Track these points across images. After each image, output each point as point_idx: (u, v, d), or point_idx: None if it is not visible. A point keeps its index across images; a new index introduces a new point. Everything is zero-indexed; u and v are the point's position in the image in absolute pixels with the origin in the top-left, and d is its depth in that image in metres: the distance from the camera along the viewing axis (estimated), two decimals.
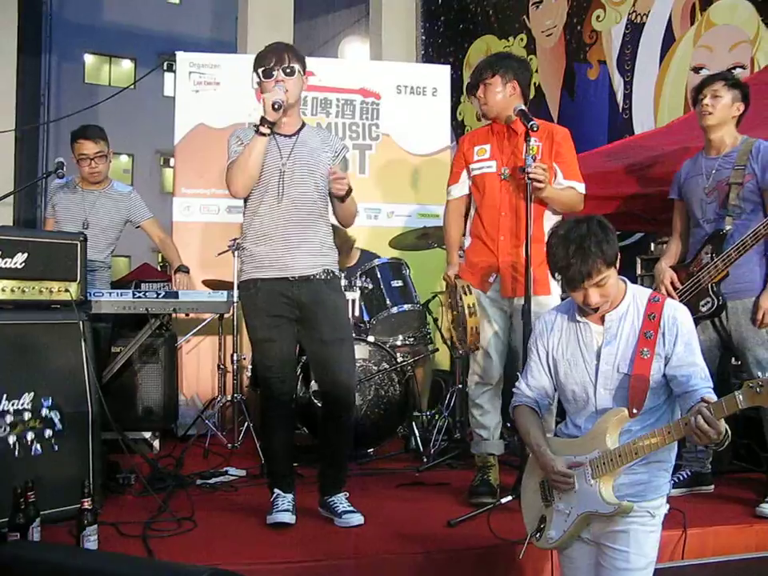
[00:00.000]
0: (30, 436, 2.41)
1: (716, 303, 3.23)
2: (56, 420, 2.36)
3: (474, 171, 3.49)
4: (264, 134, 2.94)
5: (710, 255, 3.25)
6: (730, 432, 1.94)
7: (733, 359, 3.85)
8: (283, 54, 3.01)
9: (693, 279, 3.31)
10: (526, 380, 2.41)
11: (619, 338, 2.21)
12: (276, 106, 2.90)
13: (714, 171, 3.31)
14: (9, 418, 2.33)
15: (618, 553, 2.14)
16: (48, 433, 2.39)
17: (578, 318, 2.29)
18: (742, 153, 3.25)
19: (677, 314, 2.20)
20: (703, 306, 3.26)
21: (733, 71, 5.39)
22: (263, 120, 2.92)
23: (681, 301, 3.25)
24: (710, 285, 3.24)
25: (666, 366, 2.18)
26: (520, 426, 2.39)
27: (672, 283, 3.38)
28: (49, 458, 2.91)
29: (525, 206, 3.20)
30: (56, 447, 2.76)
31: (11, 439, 2.46)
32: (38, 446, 2.75)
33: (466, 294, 3.34)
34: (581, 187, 3.40)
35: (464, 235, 3.63)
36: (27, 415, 2.34)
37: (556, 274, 2.25)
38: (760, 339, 3.20)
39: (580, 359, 2.27)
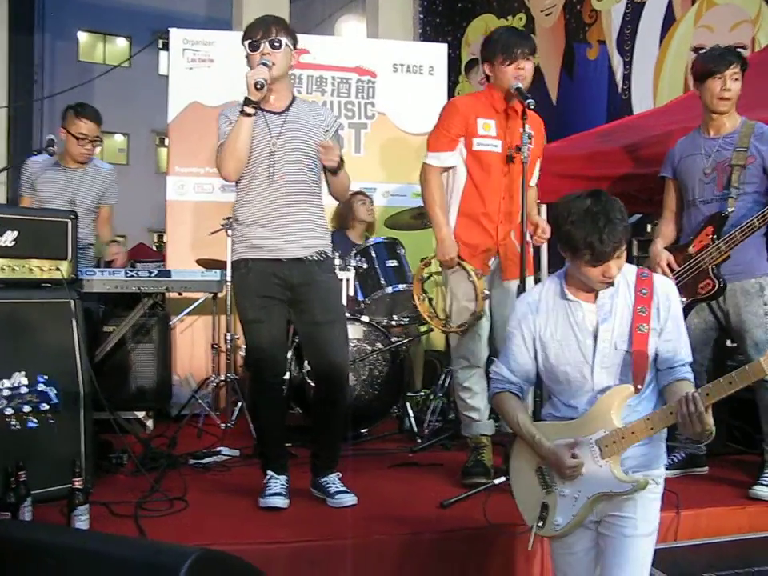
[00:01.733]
0: (26, 409, 2.39)
1: (717, 285, 3.19)
2: (52, 395, 2.35)
3: (478, 146, 3.31)
4: (249, 114, 2.87)
5: (710, 237, 3.19)
6: (713, 431, 1.97)
7: (728, 341, 3.84)
8: (270, 27, 2.94)
9: (691, 261, 3.27)
10: (508, 365, 2.32)
11: (614, 314, 2.17)
12: (258, 86, 2.82)
13: (714, 151, 3.25)
14: (6, 392, 2.32)
15: (624, 520, 2.12)
16: (44, 406, 2.38)
17: (570, 296, 2.22)
18: (744, 135, 3.20)
19: (668, 289, 2.21)
20: (702, 287, 3.23)
21: None
22: (247, 100, 2.85)
23: (678, 283, 3.23)
24: (710, 267, 3.20)
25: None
26: (506, 414, 2.30)
27: (669, 265, 3.34)
28: (44, 433, 2.88)
29: (519, 188, 3.19)
30: (52, 421, 2.74)
31: (8, 411, 2.44)
32: (35, 420, 2.73)
33: (479, 277, 3.31)
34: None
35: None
36: (24, 390, 2.32)
37: (582, 249, 2.05)
38: (758, 321, 3.18)
39: (572, 339, 2.20)
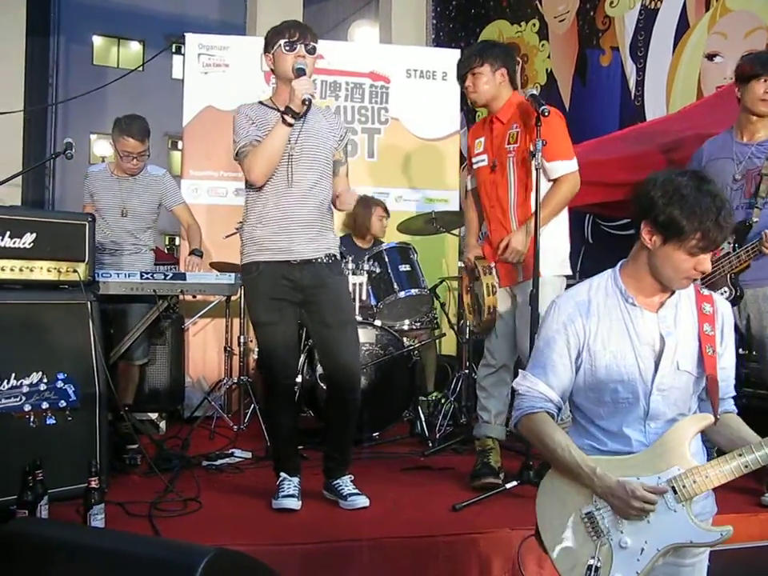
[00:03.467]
0: (44, 405, 2.43)
1: (734, 293, 3.17)
2: (70, 392, 2.39)
3: (475, 166, 3.57)
4: (290, 125, 2.92)
5: (732, 245, 3.15)
6: None
7: (740, 349, 3.83)
8: (306, 32, 2.99)
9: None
10: (546, 378, 1.91)
11: (678, 329, 1.89)
12: (306, 102, 2.88)
13: (746, 158, 3.20)
14: (25, 389, 2.35)
15: None
16: (62, 404, 2.42)
17: (633, 300, 1.90)
18: None
19: (729, 311, 1.97)
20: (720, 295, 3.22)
21: None
22: (289, 110, 2.88)
23: None
24: (729, 275, 3.17)
25: None
26: (548, 441, 1.87)
27: None
28: (60, 432, 2.93)
29: (507, 196, 3.34)
30: (70, 418, 2.77)
31: (26, 407, 2.48)
32: (53, 417, 2.77)
33: (485, 273, 3.37)
34: (566, 166, 3.29)
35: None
36: (42, 387, 2.36)
37: (690, 233, 1.78)
38: None
39: (630, 351, 1.87)
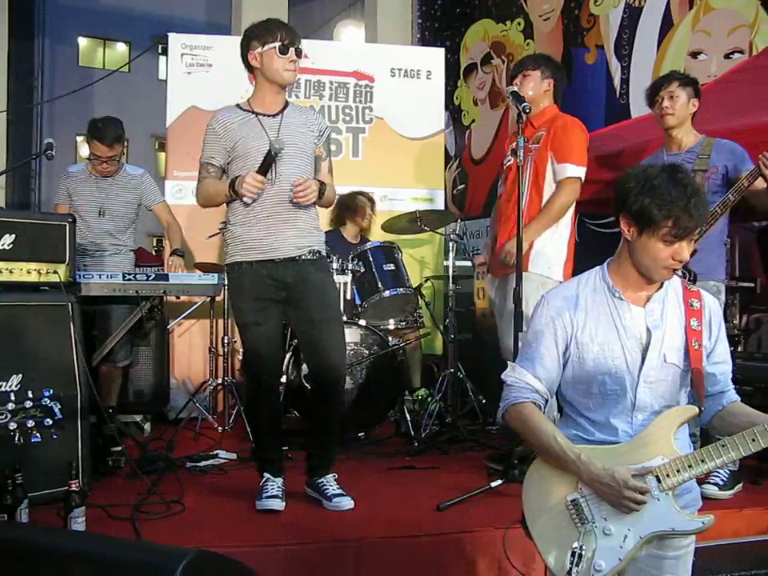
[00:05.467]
0: (30, 423, 2.41)
1: (688, 277, 3.25)
2: (56, 410, 2.36)
3: (504, 166, 3.79)
4: (230, 195, 2.97)
5: None
6: None
7: None
8: (295, 35, 3.01)
9: None
10: (533, 370, 1.95)
11: (665, 322, 1.91)
12: (247, 201, 2.93)
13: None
14: (11, 406, 2.33)
15: None
16: (48, 422, 2.39)
17: (620, 294, 1.93)
18: (705, 146, 3.37)
19: (717, 306, 1.99)
20: None
21: (731, 56, 5.36)
22: (235, 193, 2.91)
23: None
24: None
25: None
26: (533, 430, 1.89)
27: None
28: (46, 445, 2.90)
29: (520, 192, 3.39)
30: (55, 436, 2.75)
31: (12, 426, 2.45)
32: (38, 435, 2.75)
33: (478, 278, 3.68)
34: (572, 170, 3.51)
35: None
36: (29, 404, 2.33)
37: (661, 220, 1.81)
38: None
39: (617, 344, 1.90)
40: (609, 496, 1.79)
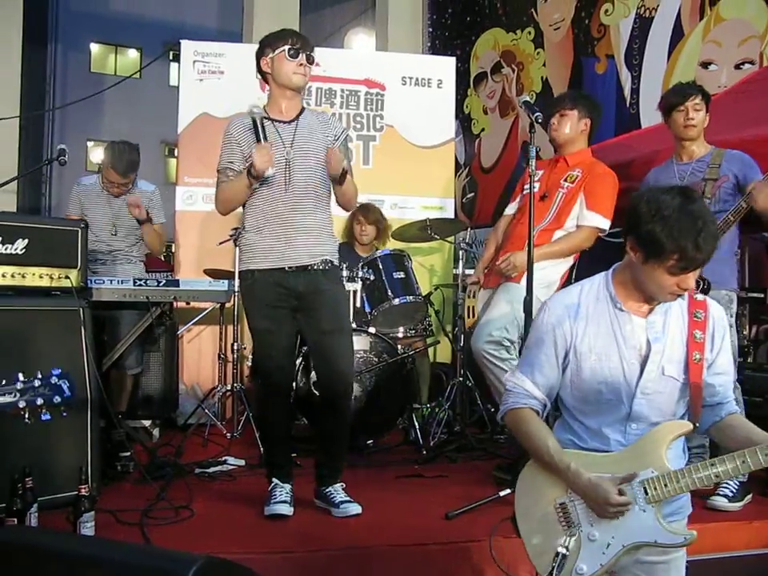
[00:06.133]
0: (39, 402, 2.43)
1: (701, 286, 3.26)
2: (65, 387, 2.38)
3: (525, 192, 3.75)
4: (250, 185, 2.96)
5: None
6: None
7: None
8: (307, 42, 3.04)
9: None
10: (532, 376, 1.99)
11: (666, 335, 1.91)
12: (262, 177, 2.91)
13: (688, 174, 3.42)
14: (19, 385, 2.35)
15: None
16: (57, 399, 2.41)
17: (621, 305, 1.93)
18: (715, 156, 3.39)
19: (722, 314, 1.98)
20: None
21: (741, 66, 5.36)
22: (250, 174, 2.91)
23: None
24: None
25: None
26: (528, 435, 1.95)
27: None
28: (51, 440, 2.91)
29: (541, 221, 3.53)
30: (65, 414, 2.76)
31: (21, 404, 2.47)
32: (48, 413, 2.75)
33: (469, 296, 3.75)
34: (599, 221, 3.58)
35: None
36: (37, 383, 2.36)
37: (668, 253, 1.79)
38: None
39: (615, 354, 1.91)
40: (593, 507, 1.84)
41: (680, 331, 1.93)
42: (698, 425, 1.89)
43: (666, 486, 1.79)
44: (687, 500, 1.96)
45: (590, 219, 3.57)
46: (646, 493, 1.80)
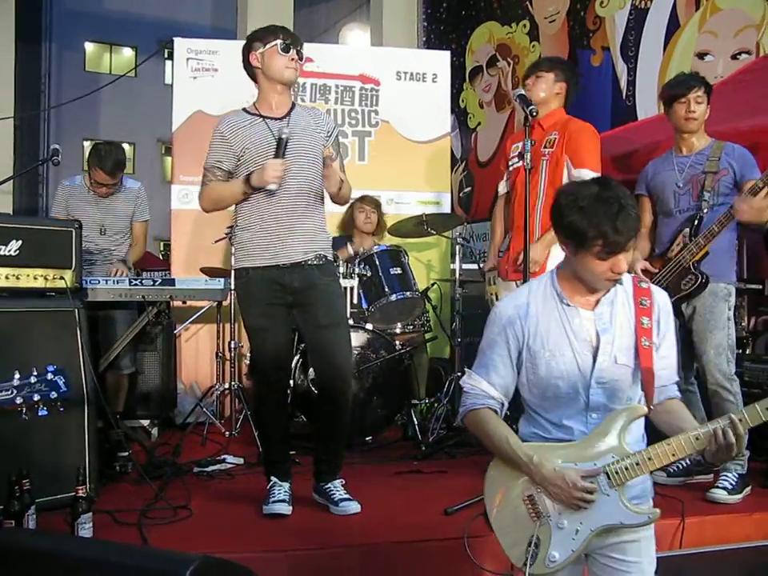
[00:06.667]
0: (36, 398, 2.44)
1: (699, 279, 3.28)
2: (61, 383, 2.39)
3: (510, 168, 3.80)
4: (246, 193, 2.96)
5: (687, 237, 3.31)
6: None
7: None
8: (297, 38, 3.04)
9: (672, 263, 3.36)
10: (488, 377, 2.04)
11: (614, 325, 1.97)
12: (271, 188, 2.90)
13: (687, 167, 3.40)
14: (16, 381, 2.36)
15: (631, 565, 1.94)
16: (53, 395, 2.42)
17: (568, 300, 1.99)
18: (715, 149, 3.36)
19: (666, 300, 2.05)
20: (685, 284, 3.31)
21: (738, 57, 5.35)
22: (249, 185, 2.91)
23: (661, 285, 3.34)
24: (691, 263, 3.30)
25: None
26: (489, 434, 2.00)
27: (646, 269, 3.43)
28: (48, 441, 2.90)
29: (536, 198, 3.49)
30: (62, 409, 2.76)
31: (18, 400, 2.48)
32: (45, 408, 2.75)
33: (490, 284, 3.71)
34: (590, 175, 3.44)
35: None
36: (33, 379, 2.36)
37: (591, 240, 1.85)
38: (722, 324, 3.27)
39: (567, 349, 1.97)
40: (559, 496, 1.89)
41: (627, 319, 1.99)
42: (652, 406, 1.95)
43: (627, 469, 1.85)
44: (649, 485, 2.02)
45: (581, 176, 3.47)
46: (609, 477, 1.87)
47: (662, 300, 2.04)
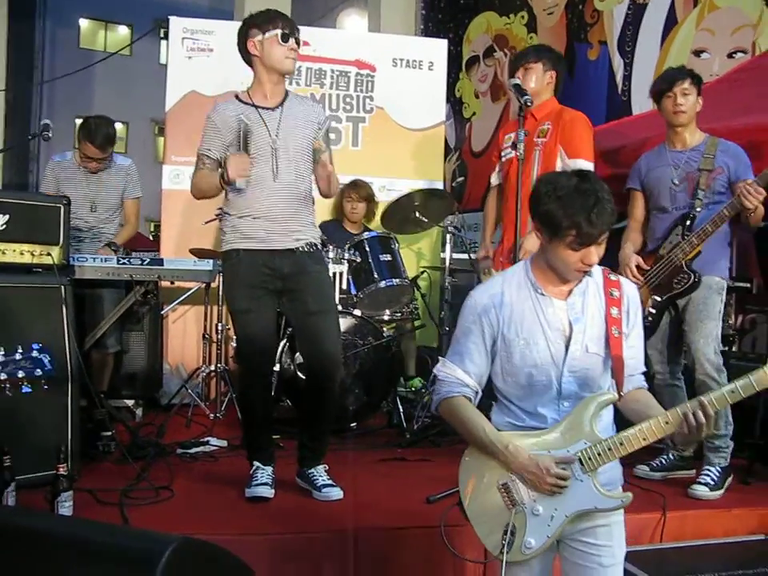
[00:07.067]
0: (20, 374, 2.42)
1: (692, 278, 3.27)
2: (45, 361, 2.37)
3: (503, 158, 3.79)
4: (222, 185, 2.94)
5: (680, 236, 3.30)
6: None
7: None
8: (295, 26, 3.01)
9: (664, 260, 3.36)
10: (463, 365, 2.05)
11: (585, 314, 2.01)
12: (238, 186, 2.90)
13: (683, 163, 3.37)
14: (0, 358, 2.34)
15: (602, 549, 1.97)
16: (38, 372, 2.40)
17: (542, 290, 2.02)
18: (710, 146, 3.34)
19: (635, 292, 2.10)
20: (677, 283, 3.31)
21: (734, 55, 5.34)
22: (224, 179, 2.89)
23: (653, 283, 3.40)
24: (683, 262, 3.29)
25: None
26: (463, 422, 2.02)
27: (639, 266, 3.42)
28: (30, 418, 2.88)
29: (529, 188, 3.34)
30: (46, 387, 2.75)
31: (2, 376, 2.46)
32: (29, 385, 2.74)
33: (483, 274, 3.69)
34: (584, 165, 3.49)
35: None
36: (18, 356, 2.35)
37: (565, 229, 1.89)
38: (713, 315, 3.28)
39: (541, 338, 2.00)
40: (534, 483, 1.92)
41: (598, 309, 2.02)
42: (622, 393, 1.99)
43: (599, 454, 1.89)
44: (618, 472, 2.05)
45: (575, 167, 3.46)
46: (582, 463, 1.90)
47: (631, 292, 2.08)
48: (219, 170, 2.94)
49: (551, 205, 1.91)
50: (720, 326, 3.32)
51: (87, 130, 3.99)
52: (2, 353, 2.38)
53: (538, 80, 3.66)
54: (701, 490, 3.14)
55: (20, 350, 2.38)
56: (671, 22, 5.95)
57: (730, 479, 3.24)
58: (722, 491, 3.18)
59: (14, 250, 3.04)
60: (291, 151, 2.98)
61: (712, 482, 3.17)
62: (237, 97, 3.07)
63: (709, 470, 3.22)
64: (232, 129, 2.97)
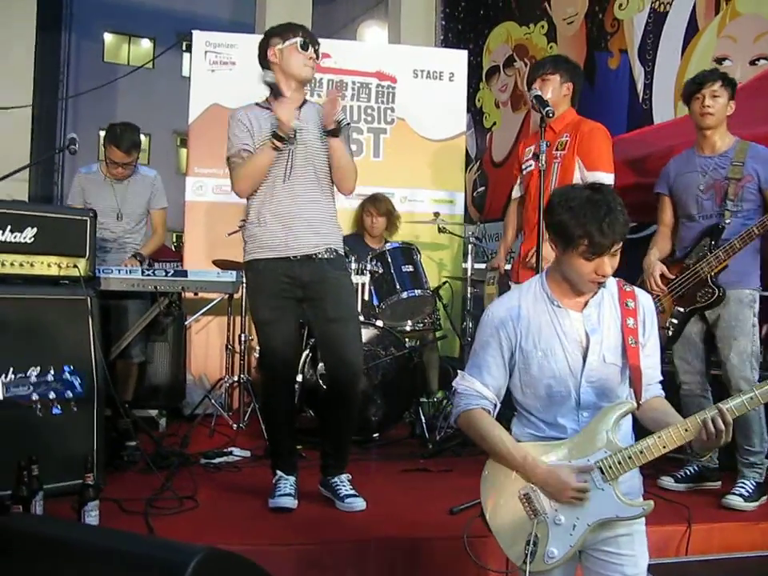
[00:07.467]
0: (51, 395, 2.46)
1: (717, 293, 3.23)
2: (76, 384, 2.41)
3: (524, 171, 3.81)
4: (277, 149, 2.94)
5: (707, 248, 3.25)
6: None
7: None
8: (314, 37, 3.06)
9: (690, 271, 3.31)
10: (482, 378, 2.07)
11: (602, 325, 2.04)
12: (292, 133, 2.93)
13: (711, 169, 3.31)
14: (33, 379, 2.38)
15: (625, 558, 1.98)
16: (68, 394, 2.44)
17: (558, 302, 2.05)
18: (739, 151, 3.27)
19: (650, 303, 2.12)
20: (701, 297, 3.27)
21: (756, 62, 5.30)
22: (278, 135, 2.91)
23: (676, 293, 3.36)
24: (709, 276, 3.25)
25: None
26: (483, 434, 2.03)
27: (663, 275, 3.39)
28: (57, 428, 2.92)
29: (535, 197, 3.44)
30: (75, 408, 2.79)
31: (34, 397, 2.51)
32: (59, 407, 2.79)
33: (488, 283, 3.73)
34: (603, 178, 3.48)
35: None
36: (50, 377, 2.39)
37: (577, 239, 1.92)
38: (746, 330, 3.23)
39: (559, 349, 2.02)
40: (554, 494, 1.94)
41: (614, 320, 2.05)
42: (641, 402, 2.01)
43: (619, 462, 1.90)
44: (638, 482, 2.05)
45: (594, 179, 3.43)
46: (602, 472, 1.92)
47: (646, 302, 2.10)
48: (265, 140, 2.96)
49: (564, 215, 1.94)
50: (755, 341, 3.25)
51: (113, 135, 4.06)
52: (36, 373, 2.42)
53: (555, 91, 3.65)
54: (735, 500, 3.09)
55: (52, 372, 2.41)
56: (692, 30, 5.91)
57: (764, 498, 3.18)
58: (756, 503, 3.12)
59: (42, 263, 3.08)
60: (306, 154, 3.01)
61: (747, 493, 3.13)
62: (256, 104, 3.11)
63: (744, 482, 3.17)
64: (261, 127, 3.00)
